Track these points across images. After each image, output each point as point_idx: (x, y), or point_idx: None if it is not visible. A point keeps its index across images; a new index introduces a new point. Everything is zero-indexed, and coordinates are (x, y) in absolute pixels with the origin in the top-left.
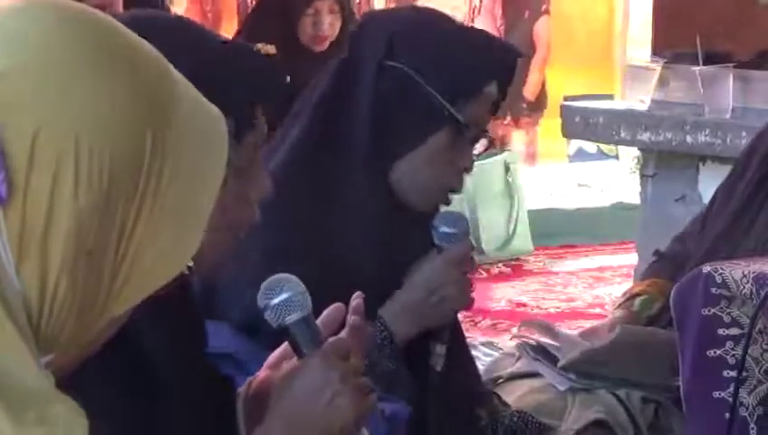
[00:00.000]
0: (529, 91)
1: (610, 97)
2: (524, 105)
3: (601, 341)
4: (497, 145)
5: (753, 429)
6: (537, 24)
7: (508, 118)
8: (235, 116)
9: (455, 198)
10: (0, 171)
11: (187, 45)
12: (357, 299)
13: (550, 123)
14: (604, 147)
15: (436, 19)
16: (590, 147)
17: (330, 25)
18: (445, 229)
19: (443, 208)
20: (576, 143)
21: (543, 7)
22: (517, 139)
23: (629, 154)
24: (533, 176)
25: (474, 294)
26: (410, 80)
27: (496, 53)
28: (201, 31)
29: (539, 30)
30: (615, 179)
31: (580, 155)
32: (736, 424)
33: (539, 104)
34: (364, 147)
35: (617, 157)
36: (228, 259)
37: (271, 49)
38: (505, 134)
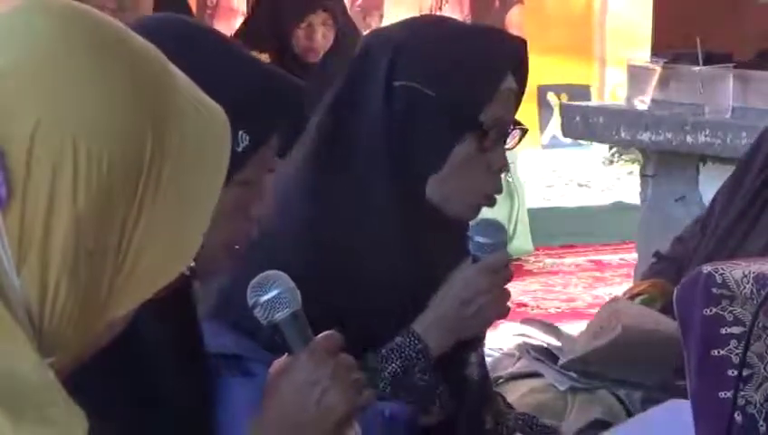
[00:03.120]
0: None
1: (587, 88)
2: None
3: (603, 339)
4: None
5: (762, 426)
6: (510, 14)
7: None
8: (251, 131)
9: None
10: None
11: (213, 59)
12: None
13: (523, 110)
14: None
15: (436, 25)
16: None
17: (323, 37)
18: (479, 239)
19: (481, 216)
20: (550, 131)
21: None
22: None
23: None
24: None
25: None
26: (421, 96)
27: (504, 47)
28: (232, 47)
29: (512, 19)
30: (586, 169)
31: (555, 143)
32: (744, 423)
33: None
34: (387, 172)
35: (589, 147)
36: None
37: (265, 58)
38: None
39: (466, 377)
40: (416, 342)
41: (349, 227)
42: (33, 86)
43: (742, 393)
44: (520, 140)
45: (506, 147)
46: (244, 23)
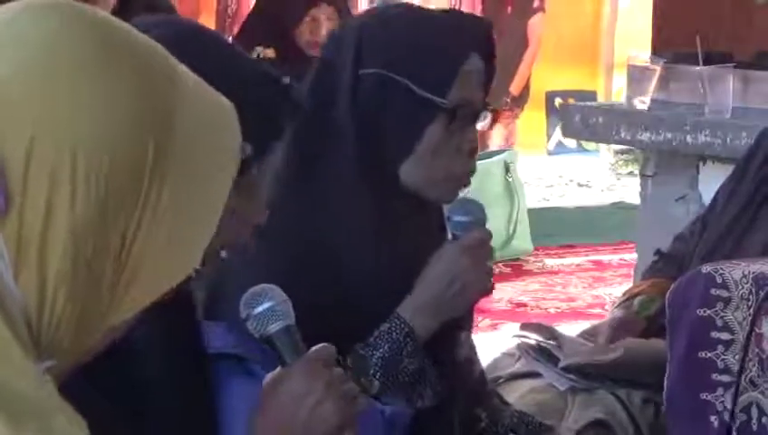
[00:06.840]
0: (514, 86)
1: (593, 93)
2: (508, 100)
3: (605, 357)
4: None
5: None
6: (532, 21)
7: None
8: (257, 139)
9: None
10: None
11: (215, 65)
12: None
13: (530, 116)
14: (584, 142)
15: (402, 11)
16: (570, 141)
17: (328, 32)
18: (458, 218)
19: (459, 196)
20: (557, 137)
21: (536, 4)
22: (495, 133)
23: (610, 150)
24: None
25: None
26: (387, 81)
27: (466, 28)
28: (231, 50)
29: (533, 27)
30: (594, 175)
31: (560, 149)
32: (719, 428)
33: (521, 99)
34: (358, 162)
35: (597, 152)
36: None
37: (270, 53)
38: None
39: (456, 358)
40: (402, 326)
41: (326, 222)
42: (33, 93)
43: (721, 399)
44: (494, 121)
45: (479, 127)
46: (249, 17)
